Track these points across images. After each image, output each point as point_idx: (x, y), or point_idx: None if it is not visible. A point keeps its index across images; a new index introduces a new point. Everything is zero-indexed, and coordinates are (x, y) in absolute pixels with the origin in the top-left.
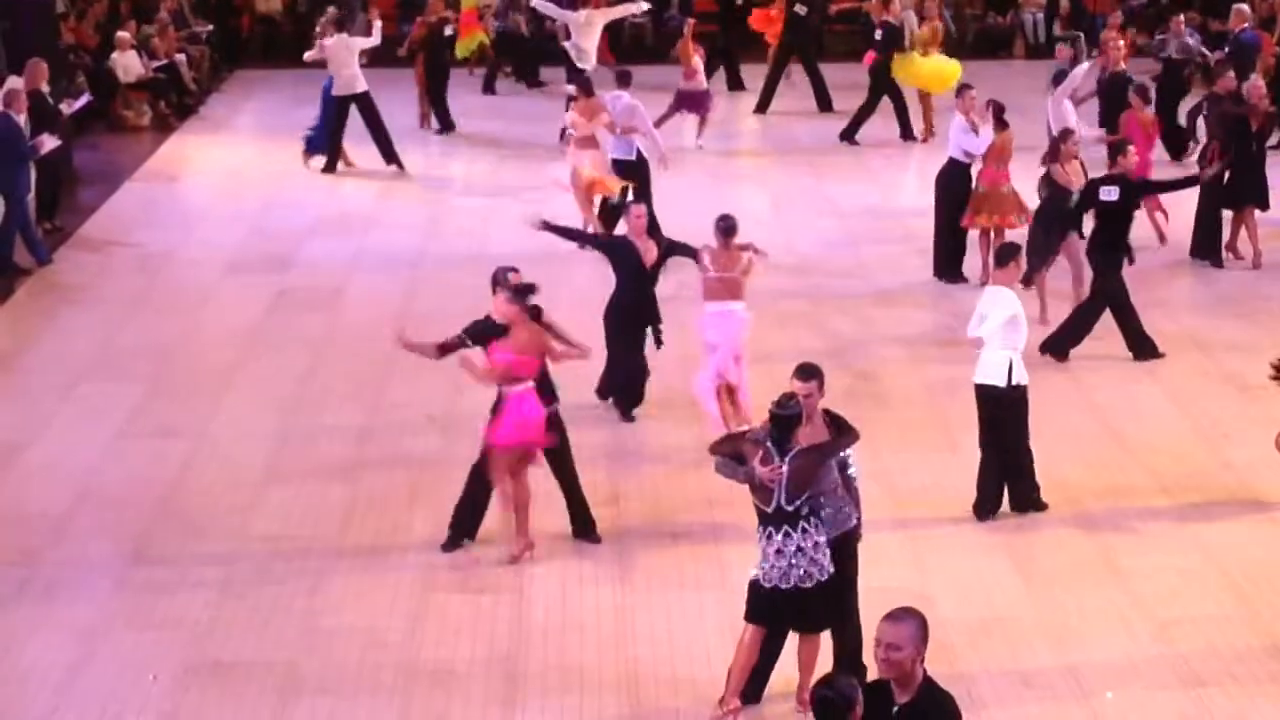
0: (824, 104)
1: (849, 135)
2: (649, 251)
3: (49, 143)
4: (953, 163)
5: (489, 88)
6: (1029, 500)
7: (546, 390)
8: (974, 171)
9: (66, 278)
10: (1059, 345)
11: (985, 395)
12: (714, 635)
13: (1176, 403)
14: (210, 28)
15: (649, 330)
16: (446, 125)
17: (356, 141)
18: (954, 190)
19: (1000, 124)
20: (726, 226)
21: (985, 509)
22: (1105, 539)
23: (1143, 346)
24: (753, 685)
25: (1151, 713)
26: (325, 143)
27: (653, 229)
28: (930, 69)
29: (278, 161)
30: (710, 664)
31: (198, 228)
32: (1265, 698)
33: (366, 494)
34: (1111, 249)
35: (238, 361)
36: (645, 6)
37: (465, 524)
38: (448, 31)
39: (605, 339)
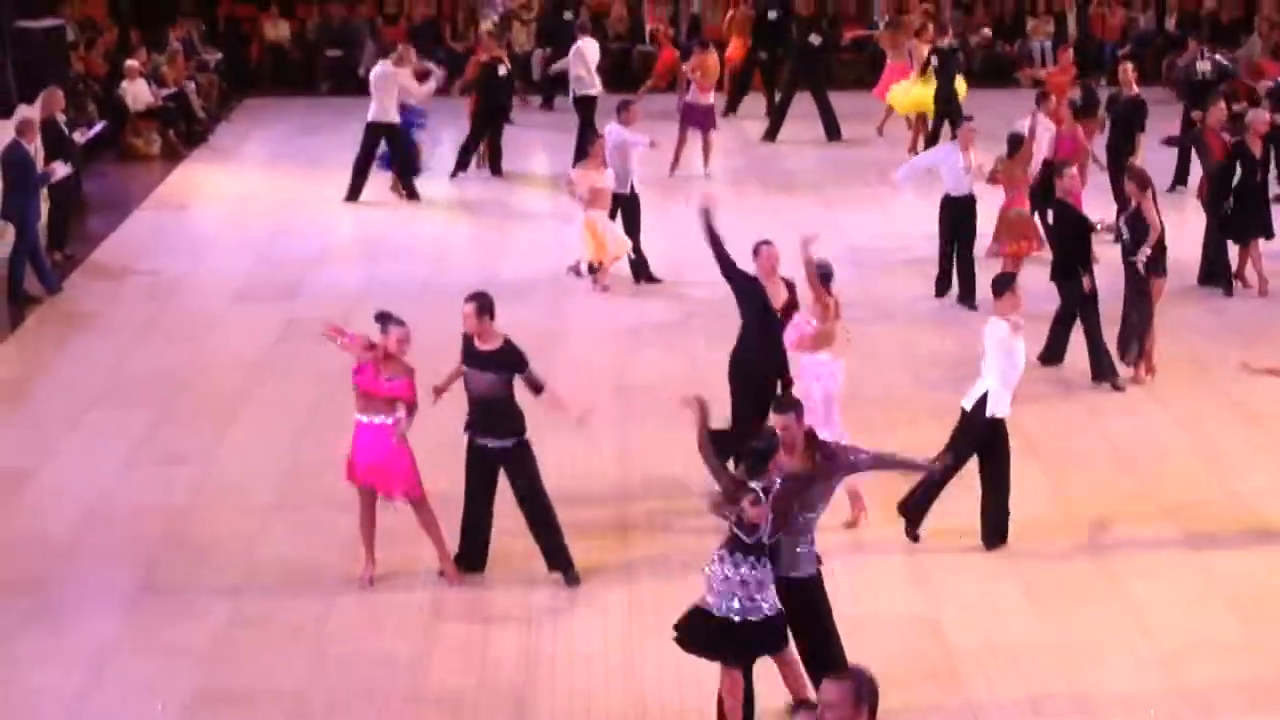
0: (832, 133)
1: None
2: (778, 294)
3: (60, 170)
4: (949, 196)
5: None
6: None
7: (510, 421)
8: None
9: (76, 305)
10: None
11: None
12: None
13: (1184, 429)
14: (219, 56)
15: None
16: (496, 169)
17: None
18: (955, 219)
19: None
20: (825, 273)
21: (988, 540)
22: (1113, 565)
23: (1100, 367)
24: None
25: None
26: (405, 166)
27: (639, 269)
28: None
29: (286, 190)
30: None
31: (206, 256)
32: None
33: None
34: (1067, 275)
35: (246, 389)
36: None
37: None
38: (501, 71)
39: (731, 396)
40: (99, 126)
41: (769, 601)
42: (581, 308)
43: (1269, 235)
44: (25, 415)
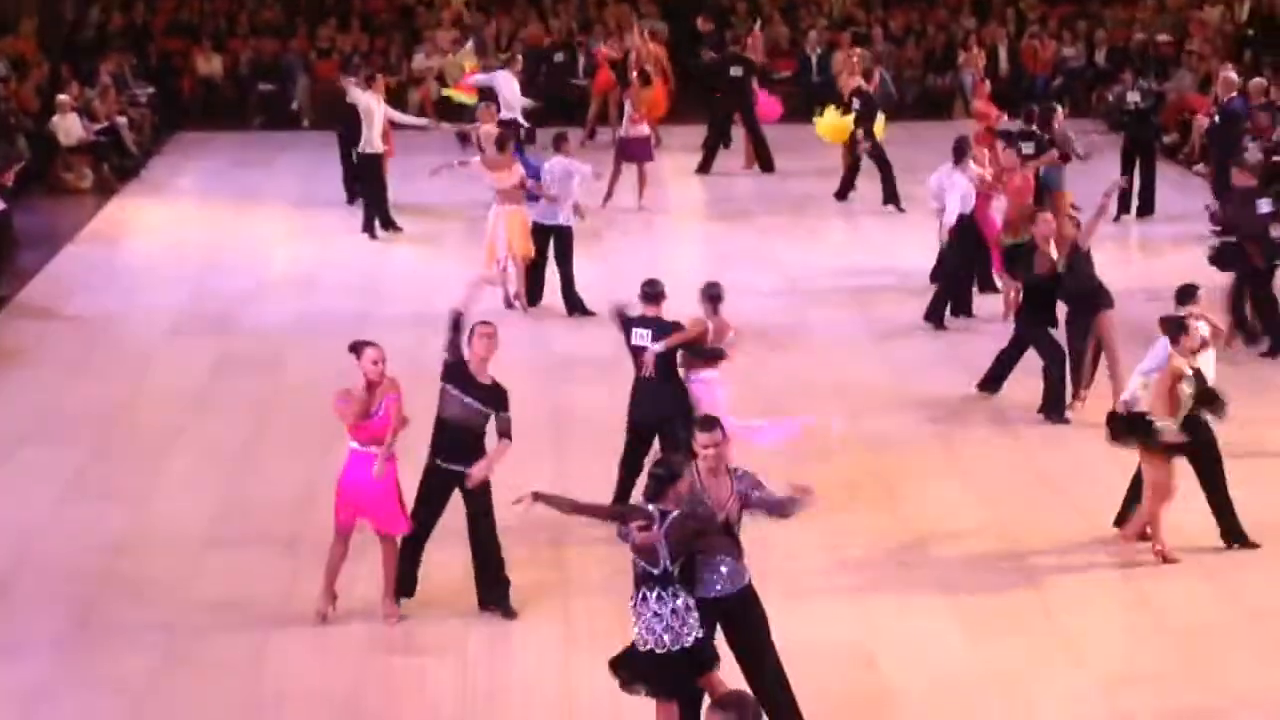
0: (765, 165)
1: (841, 195)
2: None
3: None
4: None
5: None
6: None
7: (478, 453)
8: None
9: (6, 342)
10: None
11: None
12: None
13: (1117, 462)
14: (151, 90)
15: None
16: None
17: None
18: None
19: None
20: (714, 294)
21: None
22: (1049, 595)
23: (1051, 405)
24: None
25: None
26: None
27: (572, 303)
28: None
29: (219, 224)
30: None
31: (139, 291)
32: None
33: (309, 557)
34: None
35: (180, 425)
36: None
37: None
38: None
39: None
40: (20, 163)
41: (690, 627)
42: (516, 339)
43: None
44: None
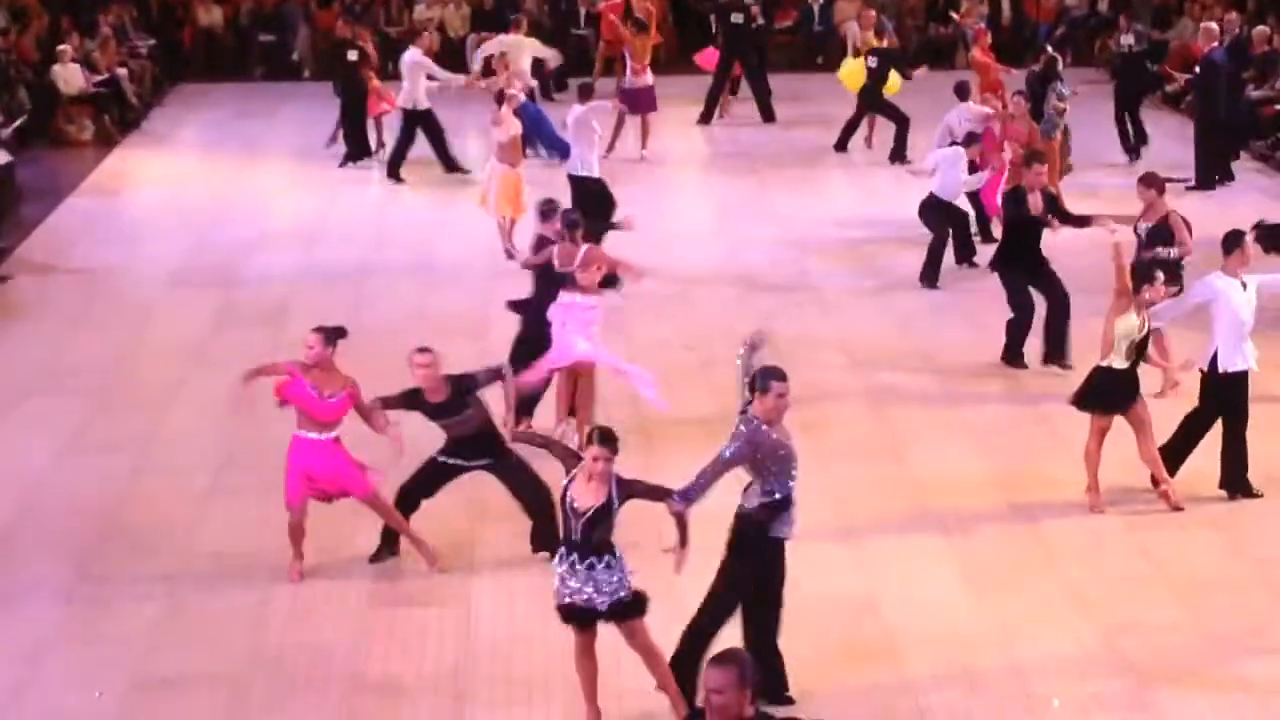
0: (767, 115)
1: (840, 146)
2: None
3: None
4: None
5: None
6: None
7: (493, 443)
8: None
9: (8, 295)
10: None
11: None
12: (661, 645)
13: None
14: (152, 42)
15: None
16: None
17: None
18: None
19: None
20: (571, 222)
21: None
22: (1052, 546)
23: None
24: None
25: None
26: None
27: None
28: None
29: (221, 175)
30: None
31: (141, 243)
32: (1211, 705)
33: (312, 509)
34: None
35: (182, 376)
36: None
37: (391, 537)
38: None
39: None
40: (20, 119)
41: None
42: (515, 292)
43: None
44: None
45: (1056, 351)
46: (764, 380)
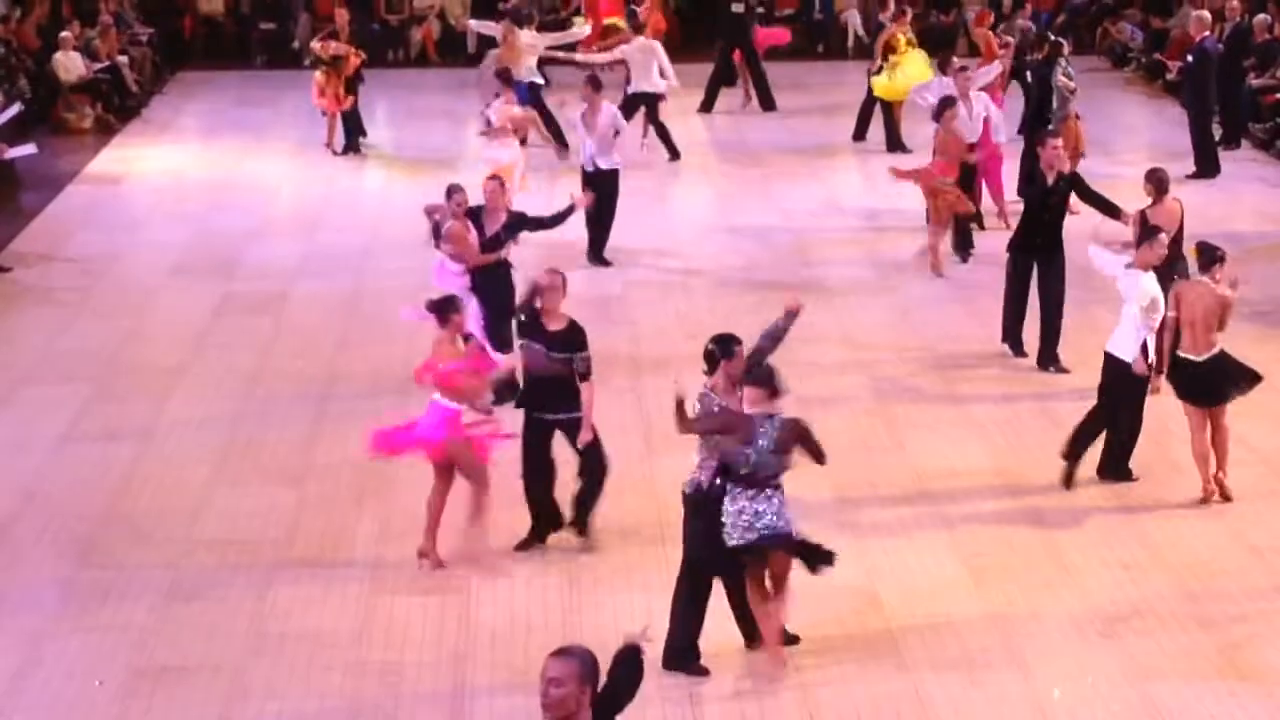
0: (767, 103)
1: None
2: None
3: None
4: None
5: None
6: None
7: (571, 398)
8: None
9: (8, 282)
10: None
11: None
12: (661, 635)
13: None
14: (152, 30)
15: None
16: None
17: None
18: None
19: None
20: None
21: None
22: (1052, 535)
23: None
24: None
25: (1099, 709)
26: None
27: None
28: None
29: (221, 163)
30: (656, 665)
31: (141, 230)
32: (1212, 694)
33: (313, 497)
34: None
35: (183, 364)
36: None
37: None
38: None
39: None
40: (15, 108)
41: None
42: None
43: None
44: None
45: (1048, 355)
46: (726, 346)
